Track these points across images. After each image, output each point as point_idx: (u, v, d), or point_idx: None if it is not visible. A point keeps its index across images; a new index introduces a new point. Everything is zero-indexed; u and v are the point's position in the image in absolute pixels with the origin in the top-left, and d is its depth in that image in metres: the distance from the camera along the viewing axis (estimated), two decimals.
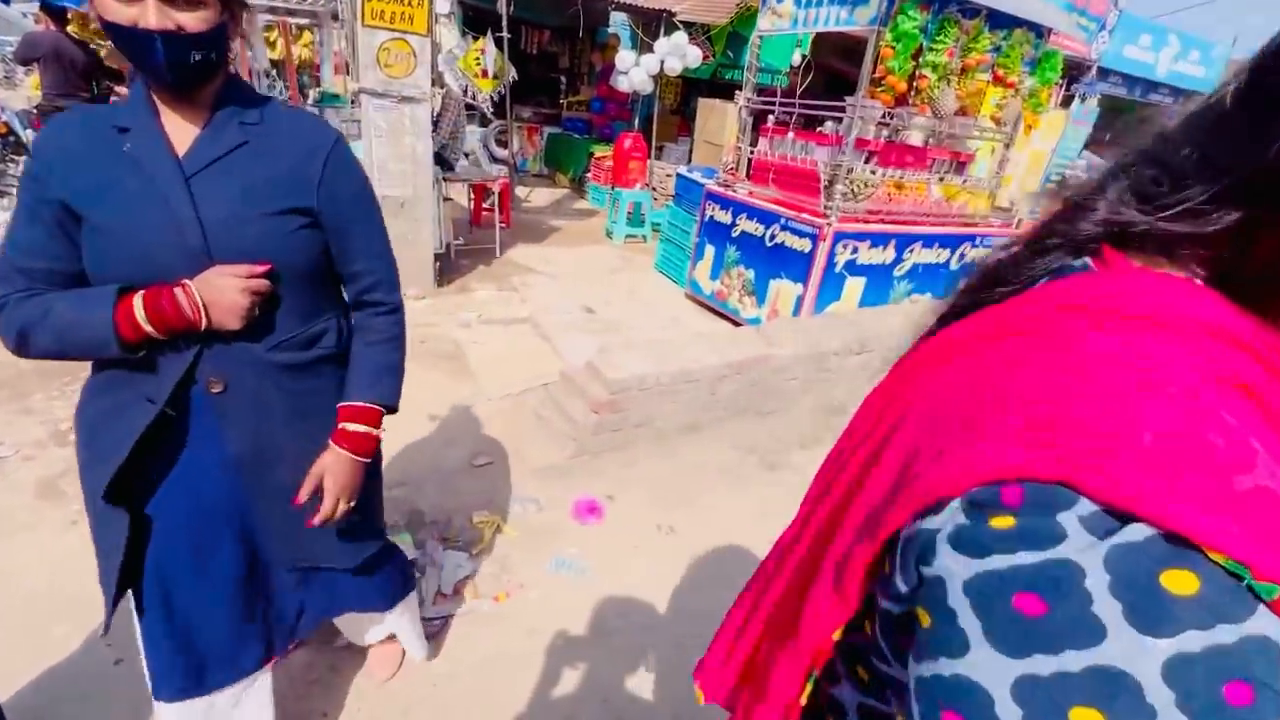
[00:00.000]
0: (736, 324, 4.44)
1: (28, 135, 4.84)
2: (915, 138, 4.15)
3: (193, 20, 0.82)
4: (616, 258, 6.11)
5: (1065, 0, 7.13)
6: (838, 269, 3.91)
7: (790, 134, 4.15)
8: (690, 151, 8.69)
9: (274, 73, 4.91)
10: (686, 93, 10.06)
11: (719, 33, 7.59)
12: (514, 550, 2.25)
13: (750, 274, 4.31)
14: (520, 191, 8.40)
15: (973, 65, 3.81)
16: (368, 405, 1.07)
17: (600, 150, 8.69)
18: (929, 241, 4.26)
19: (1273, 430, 0.32)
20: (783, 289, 4.07)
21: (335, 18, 4.00)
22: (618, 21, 9.63)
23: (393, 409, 1.12)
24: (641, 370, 2.79)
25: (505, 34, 6.55)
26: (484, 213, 6.29)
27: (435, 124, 4.11)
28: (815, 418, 3.42)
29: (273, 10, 4.12)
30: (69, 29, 5.26)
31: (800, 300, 3.95)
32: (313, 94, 6.97)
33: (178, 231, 0.89)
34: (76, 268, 0.92)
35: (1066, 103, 8.28)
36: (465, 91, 6.18)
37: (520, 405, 3.14)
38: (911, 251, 4.21)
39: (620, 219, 6.63)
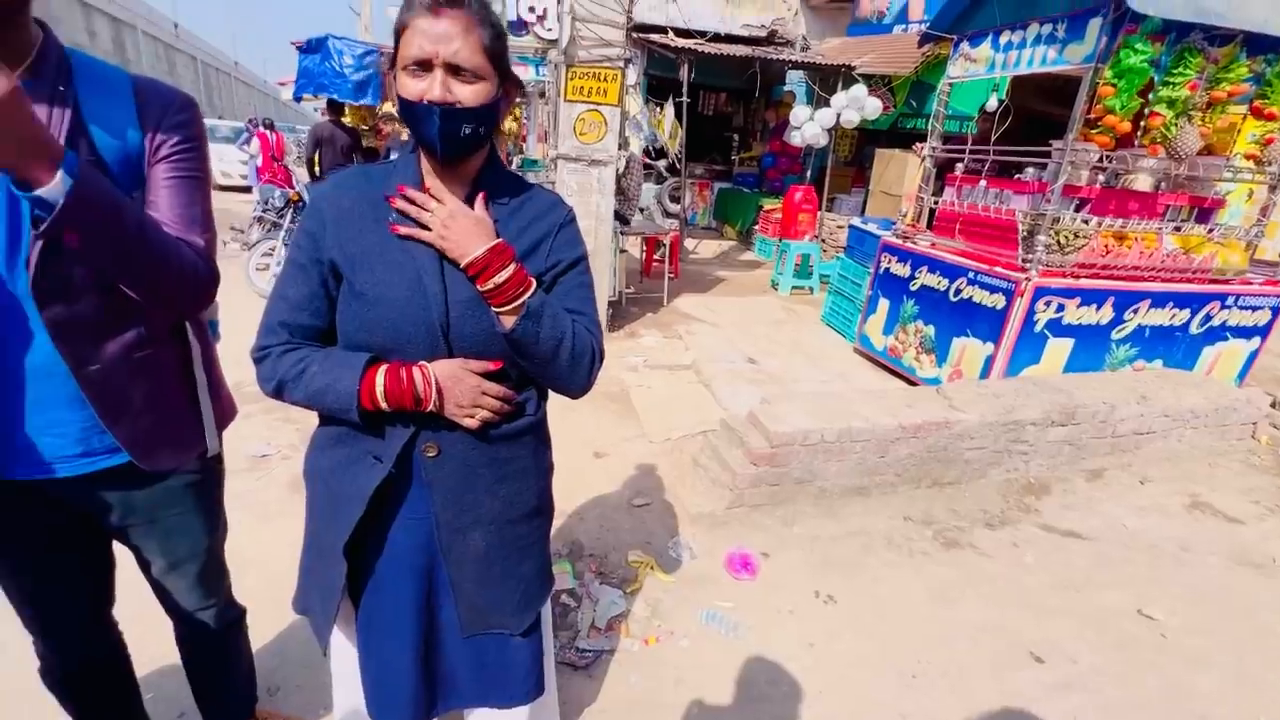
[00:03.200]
0: (912, 383, 4.12)
1: None
2: (1142, 182, 3.61)
3: (470, 94, 0.88)
4: (781, 309, 6.05)
5: None
6: (1037, 328, 3.48)
7: (982, 182, 3.85)
8: (864, 203, 8.42)
9: None
10: (862, 144, 9.84)
11: (902, 83, 7.36)
12: (666, 595, 2.25)
13: (930, 330, 4.00)
14: (688, 243, 8.73)
15: (1223, 98, 3.26)
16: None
17: (770, 203, 8.77)
18: (1160, 300, 3.63)
19: None
20: (969, 348, 3.71)
21: (542, 95, 4.58)
22: (793, 79, 9.80)
23: (533, 314, 0.94)
24: (805, 425, 2.70)
25: (685, 99, 6.99)
26: (654, 263, 6.63)
27: (619, 184, 4.47)
28: (1006, 495, 3.02)
29: None
30: (344, 119, 6.67)
31: (989, 361, 3.56)
32: (516, 160, 7.98)
33: (425, 307, 0.93)
34: (331, 324, 0.99)
35: None
36: (646, 152, 6.66)
37: (680, 450, 3.20)
38: (1136, 311, 3.61)
39: (787, 270, 6.57)
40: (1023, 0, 3.56)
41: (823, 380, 4.20)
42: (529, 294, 0.93)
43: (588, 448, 3.20)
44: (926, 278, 4.01)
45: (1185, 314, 3.72)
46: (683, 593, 2.27)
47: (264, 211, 6.05)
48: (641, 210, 7.38)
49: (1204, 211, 3.78)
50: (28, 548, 1.08)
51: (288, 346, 0.97)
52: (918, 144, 4.39)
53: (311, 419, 1.10)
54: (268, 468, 2.88)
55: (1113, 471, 3.29)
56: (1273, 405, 3.73)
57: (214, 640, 1.37)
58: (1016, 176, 3.81)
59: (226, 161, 12.07)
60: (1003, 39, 3.69)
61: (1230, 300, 3.76)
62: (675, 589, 2.29)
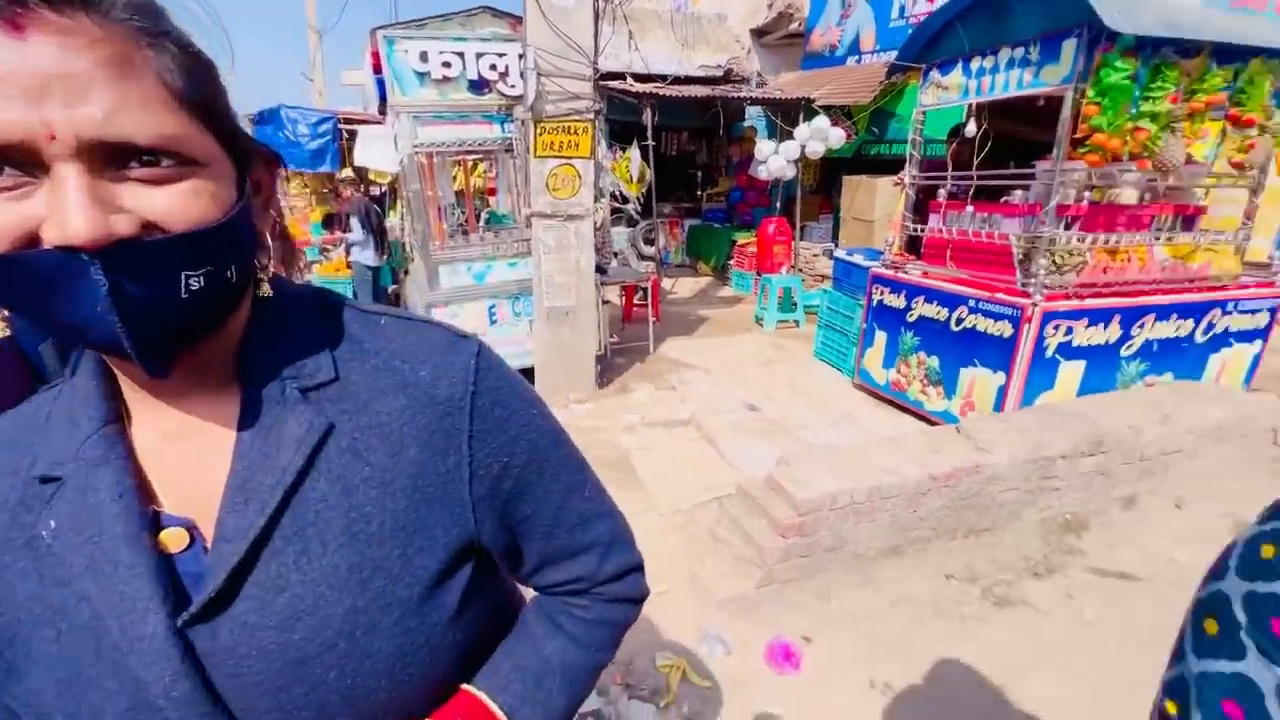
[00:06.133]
0: (923, 418, 3.96)
1: None
2: (1127, 196, 3.57)
3: (167, 205, 0.39)
4: (770, 346, 5.89)
5: None
6: (1049, 353, 3.35)
7: (969, 207, 3.78)
8: (834, 228, 8.44)
9: (456, 203, 5.52)
10: (826, 171, 9.95)
11: (862, 112, 7.45)
12: (706, 705, 1.98)
13: (934, 362, 3.86)
14: (666, 283, 8.61)
15: (1201, 108, 3.24)
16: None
17: (743, 237, 8.74)
18: (1164, 313, 3.55)
19: None
20: (978, 379, 3.57)
21: (509, 150, 4.42)
22: (753, 114, 9.91)
23: None
24: (832, 486, 2.48)
25: (650, 142, 6.95)
26: (635, 308, 6.46)
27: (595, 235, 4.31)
28: (1045, 537, 2.83)
29: (458, 152, 4.66)
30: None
31: (1003, 391, 3.42)
32: (483, 215, 7.81)
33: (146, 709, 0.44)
34: None
35: None
36: (614, 197, 6.57)
37: (694, 522, 2.94)
38: (1142, 326, 3.52)
39: (771, 305, 6.46)
40: (991, 26, 3.54)
41: (830, 423, 4.00)
42: None
43: None
44: (924, 308, 3.89)
45: (1189, 324, 3.65)
46: (724, 698, 2.00)
47: None
48: (616, 255, 7.25)
49: (1188, 219, 3.75)
50: None
51: None
52: (901, 173, 4.33)
53: None
54: None
55: (1145, 498, 3.13)
56: None
57: None
58: (1004, 200, 3.75)
59: None
60: (974, 65, 3.67)
61: (1230, 305, 3.71)
62: (715, 694, 2.02)
